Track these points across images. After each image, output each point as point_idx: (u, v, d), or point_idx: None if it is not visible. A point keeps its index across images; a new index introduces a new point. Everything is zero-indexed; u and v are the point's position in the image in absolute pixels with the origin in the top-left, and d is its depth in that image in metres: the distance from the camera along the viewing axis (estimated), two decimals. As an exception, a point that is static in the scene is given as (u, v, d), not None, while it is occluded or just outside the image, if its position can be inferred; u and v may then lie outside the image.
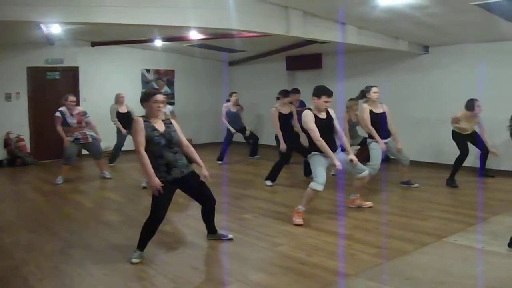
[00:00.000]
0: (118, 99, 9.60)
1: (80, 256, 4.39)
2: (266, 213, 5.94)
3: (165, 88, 12.59)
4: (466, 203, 6.23)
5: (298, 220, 5.41)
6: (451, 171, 7.37)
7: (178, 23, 5.97)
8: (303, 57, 11.13)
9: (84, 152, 8.52)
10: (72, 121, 7.93)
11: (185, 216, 5.95)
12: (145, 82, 12.20)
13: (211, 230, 4.88)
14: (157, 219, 4.29)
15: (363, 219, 5.59)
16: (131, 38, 10.49)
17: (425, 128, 9.06)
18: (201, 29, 8.26)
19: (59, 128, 7.87)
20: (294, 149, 7.72)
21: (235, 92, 10.43)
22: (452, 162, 7.44)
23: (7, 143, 10.05)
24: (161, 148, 4.25)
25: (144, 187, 7.30)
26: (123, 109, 9.59)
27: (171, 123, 4.47)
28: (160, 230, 5.22)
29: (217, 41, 9.80)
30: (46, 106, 10.26)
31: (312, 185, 5.38)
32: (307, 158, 5.71)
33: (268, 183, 7.61)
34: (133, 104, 9.62)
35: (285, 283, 3.76)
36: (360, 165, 5.68)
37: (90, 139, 8.09)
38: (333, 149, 5.44)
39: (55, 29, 8.01)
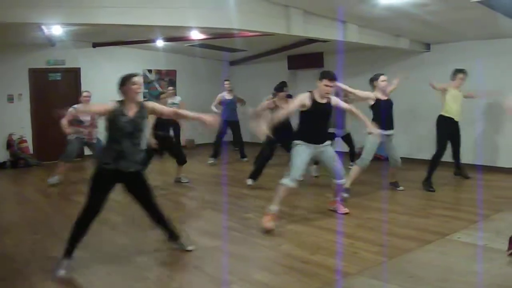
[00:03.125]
0: None
1: (83, 257, 4.38)
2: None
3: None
4: (468, 201, 6.23)
5: (269, 224, 5.04)
6: (428, 172, 7.01)
7: (179, 23, 5.97)
8: (305, 56, 11.13)
9: (87, 152, 8.46)
10: (85, 118, 7.83)
11: (187, 215, 5.96)
12: (146, 82, 12.20)
13: (172, 236, 4.47)
14: (91, 211, 4.00)
15: (365, 217, 5.58)
16: (133, 38, 10.51)
17: (427, 126, 9.03)
18: (202, 29, 8.27)
19: (64, 122, 7.47)
20: (279, 142, 7.37)
21: (227, 80, 10.40)
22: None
23: (9, 144, 10.07)
24: (123, 135, 3.95)
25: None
26: None
27: (144, 108, 4.13)
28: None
29: (218, 41, 9.81)
30: (48, 107, 10.24)
31: (284, 181, 5.15)
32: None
33: (250, 182, 7.34)
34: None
35: (288, 282, 3.76)
36: (339, 169, 5.46)
37: (94, 140, 8.05)
38: (321, 140, 5.30)
39: (56, 30, 8.04)
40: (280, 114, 5.34)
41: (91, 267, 4.15)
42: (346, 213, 5.67)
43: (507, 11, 6.19)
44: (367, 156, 6.49)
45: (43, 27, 7.51)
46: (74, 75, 10.97)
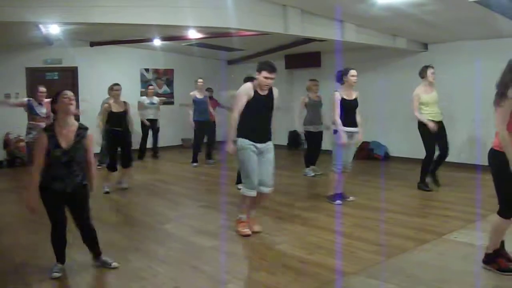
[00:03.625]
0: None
1: (79, 257, 4.36)
2: (265, 212, 5.91)
3: (164, 88, 12.60)
4: (465, 200, 6.23)
5: (245, 230, 4.91)
6: (421, 175, 6.96)
7: (176, 23, 5.98)
8: (302, 56, 11.12)
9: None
10: (41, 110, 7.53)
11: (184, 215, 5.95)
12: (144, 81, 12.19)
13: (96, 253, 4.19)
14: (58, 226, 3.88)
15: (363, 217, 5.58)
16: (130, 37, 10.49)
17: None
18: (200, 28, 8.27)
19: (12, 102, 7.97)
20: None
21: (200, 78, 9.96)
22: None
23: (6, 144, 10.06)
24: (57, 163, 3.78)
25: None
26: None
27: (84, 136, 3.91)
28: (160, 229, 5.26)
29: (216, 40, 9.81)
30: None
31: (243, 191, 4.90)
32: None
33: (240, 186, 7.17)
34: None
35: (286, 281, 3.76)
36: (271, 174, 4.96)
37: None
38: (263, 138, 4.84)
39: (53, 29, 8.01)
40: (234, 115, 4.80)
41: (87, 267, 4.13)
42: (247, 235, 4.93)
43: (504, 11, 6.20)
44: (338, 162, 6.05)
45: (40, 26, 7.49)
46: (71, 74, 10.96)
